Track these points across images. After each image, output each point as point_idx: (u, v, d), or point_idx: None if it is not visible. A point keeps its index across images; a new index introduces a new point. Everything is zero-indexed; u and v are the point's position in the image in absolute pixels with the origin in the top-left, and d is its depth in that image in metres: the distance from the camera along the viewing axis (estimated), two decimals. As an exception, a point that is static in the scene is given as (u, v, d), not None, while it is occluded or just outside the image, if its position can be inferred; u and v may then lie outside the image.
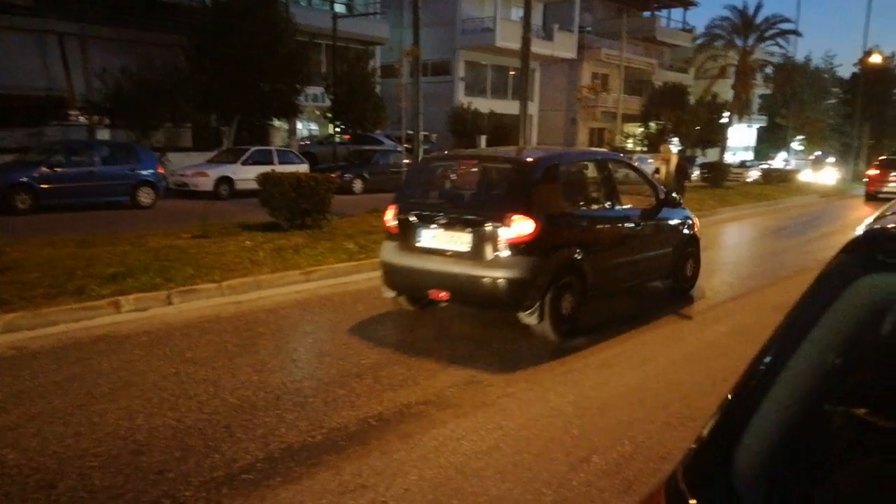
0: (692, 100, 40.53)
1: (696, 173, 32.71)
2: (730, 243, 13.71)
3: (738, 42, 42.46)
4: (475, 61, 39.78)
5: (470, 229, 6.21)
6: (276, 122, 26.62)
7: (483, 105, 35.83)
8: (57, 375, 5.13)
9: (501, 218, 6.04)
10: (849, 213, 21.91)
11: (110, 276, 7.59)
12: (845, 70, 63.29)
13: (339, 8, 32.40)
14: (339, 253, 9.79)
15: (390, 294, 7.03)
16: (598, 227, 7.02)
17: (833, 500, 1.23)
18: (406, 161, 17.15)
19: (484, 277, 6.07)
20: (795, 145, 51.03)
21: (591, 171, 7.64)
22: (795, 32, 42.29)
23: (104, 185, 15.62)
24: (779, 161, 45.42)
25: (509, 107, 36.43)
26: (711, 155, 41.46)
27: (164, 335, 6.28)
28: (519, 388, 5.07)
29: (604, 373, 5.49)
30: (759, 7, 42.36)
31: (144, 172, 16.43)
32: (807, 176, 36.57)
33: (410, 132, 16.71)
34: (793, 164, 44.40)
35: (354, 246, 10.23)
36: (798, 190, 30.07)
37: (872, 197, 25.47)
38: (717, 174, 28.39)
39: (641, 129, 41.89)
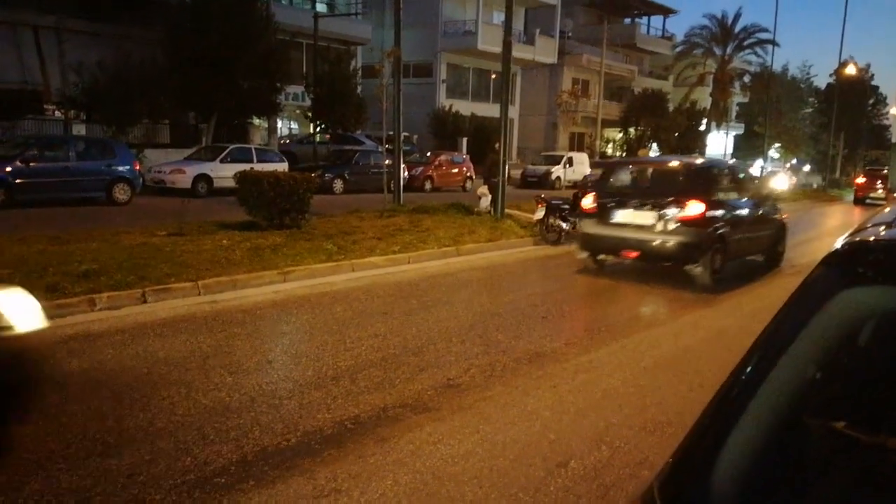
0: (671, 107, 40.91)
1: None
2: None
3: (717, 50, 43.04)
4: (457, 64, 39.82)
5: (655, 209, 9.30)
6: (256, 121, 26.42)
7: (464, 107, 35.87)
8: (25, 375, 5.02)
9: (679, 202, 9.17)
10: (827, 220, 22.22)
11: (83, 274, 7.46)
12: (821, 80, 64.33)
13: (321, 7, 32.24)
14: (318, 253, 9.72)
15: (583, 255, 10.45)
16: (733, 212, 9.88)
17: None
18: (387, 162, 17.03)
19: (668, 242, 9.21)
20: (772, 153, 51.70)
21: (726, 173, 11.13)
22: (773, 42, 42.91)
23: (79, 180, 15.38)
24: (756, 168, 45.97)
25: (490, 110, 36.50)
26: (689, 161, 41.84)
27: (138, 334, 6.18)
28: (496, 392, 5.05)
29: (580, 378, 5.49)
30: (737, 16, 43.09)
31: (121, 169, 16.21)
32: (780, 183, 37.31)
33: (391, 133, 16.64)
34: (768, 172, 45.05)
35: (333, 246, 10.15)
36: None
37: (861, 201, 28.12)
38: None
39: (621, 135, 42.19)
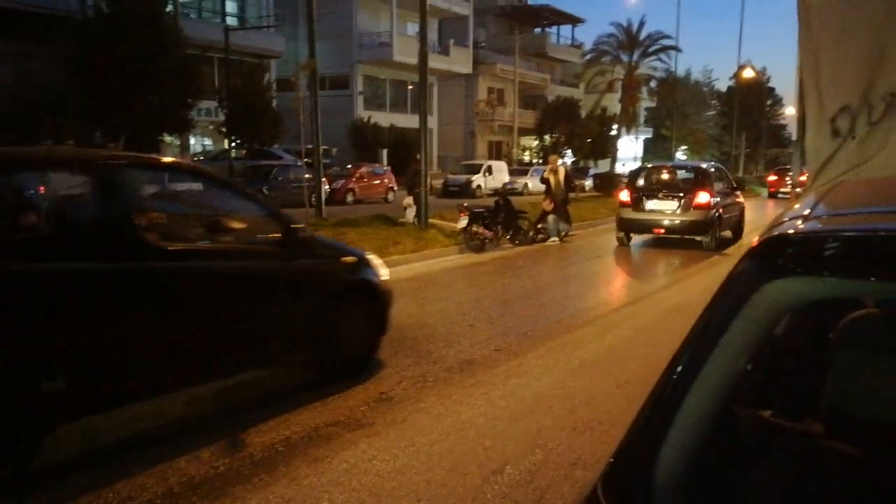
0: (583, 113, 42.08)
1: (589, 183, 34.01)
2: (622, 248, 14.23)
3: (624, 57, 44.61)
4: (373, 75, 39.79)
5: (676, 199, 13.53)
6: (168, 138, 25.56)
7: (383, 119, 35.84)
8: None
9: (695, 192, 13.38)
10: (756, 211, 23.25)
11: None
12: (722, 84, 67.53)
13: (231, 21, 31.60)
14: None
15: (620, 234, 14.52)
16: (723, 199, 14.11)
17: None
18: (307, 176, 16.77)
19: (689, 221, 13.41)
20: (679, 155, 53.91)
21: (719, 172, 15.19)
22: (676, 48, 44.90)
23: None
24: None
25: (409, 121, 36.62)
26: (603, 165, 43.17)
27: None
28: (430, 403, 5.03)
29: (511, 382, 5.54)
30: (641, 24, 44.80)
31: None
32: None
33: (310, 146, 16.42)
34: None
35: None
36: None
37: (773, 196, 32.58)
38: (609, 184, 29.59)
39: (537, 142, 43.08)
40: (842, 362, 1.28)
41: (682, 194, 13.52)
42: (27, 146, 19.21)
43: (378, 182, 27.43)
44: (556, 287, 9.96)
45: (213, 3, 32.30)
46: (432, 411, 4.88)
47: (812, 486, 1.29)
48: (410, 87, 40.55)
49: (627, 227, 14.38)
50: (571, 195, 16.65)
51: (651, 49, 45.39)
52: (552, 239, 14.70)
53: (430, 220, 15.28)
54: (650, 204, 13.77)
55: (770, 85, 63.80)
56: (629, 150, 53.66)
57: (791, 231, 1.32)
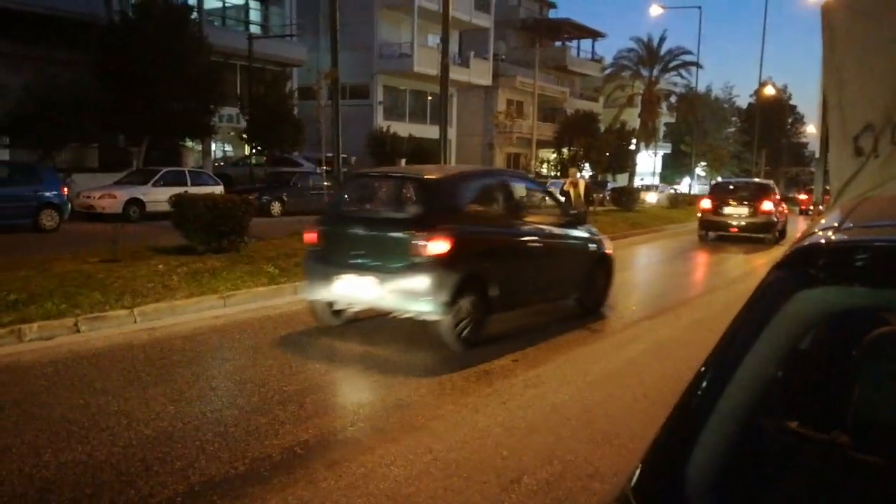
0: (602, 127, 42.04)
1: (607, 197, 33.94)
2: (642, 263, 14.20)
3: (644, 72, 44.51)
4: (393, 86, 40.00)
5: (746, 206, 18.26)
6: (189, 143, 25.85)
7: (402, 129, 35.99)
8: (-49, 411, 4.75)
9: (761, 201, 18.28)
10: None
11: (11, 303, 7.12)
12: (743, 100, 67.18)
13: (255, 29, 31.95)
14: (259, 276, 9.55)
15: (702, 232, 18.89)
16: (777, 205, 19.41)
17: None
18: (326, 183, 16.88)
19: (757, 223, 18.15)
20: (699, 171, 53.69)
21: (771, 185, 20.77)
22: (697, 64, 44.74)
23: (4, 207, 14.68)
24: (684, 186, 47.65)
25: (427, 131, 36.76)
26: (621, 180, 43.05)
27: (71, 365, 5.93)
28: (447, 411, 5.06)
29: (529, 393, 5.55)
30: (662, 40, 44.66)
31: (47, 194, 15.58)
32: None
33: (330, 154, 16.54)
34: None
35: (275, 269, 9.99)
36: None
37: (804, 212, 34.30)
38: (628, 198, 29.46)
39: (555, 155, 43.05)
40: (869, 373, 1.30)
41: (750, 203, 18.35)
42: (50, 149, 19.62)
43: (396, 191, 27.49)
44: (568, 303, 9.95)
45: (237, 11, 32.69)
46: (449, 419, 4.90)
47: (839, 497, 1.31)
48: (430, 97, 40.71)
49: (708, 227, 19.02)
50: (590, 209, 16.72)
51: (671, 64, 45.27)
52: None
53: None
54: (726, 210, 18.61)
55: (791, 103, 63.51)
56: (648, 165, 53.52)
57: (822, 241, 1.35)
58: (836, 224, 1.45)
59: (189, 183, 19.09)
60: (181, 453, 4.16)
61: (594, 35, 55.45)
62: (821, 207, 19.56)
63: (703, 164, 54.07)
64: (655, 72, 44.63)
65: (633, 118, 44.49)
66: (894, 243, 1.27)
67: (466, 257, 6.62)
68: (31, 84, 19.16)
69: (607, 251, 9.06)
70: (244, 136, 27.78)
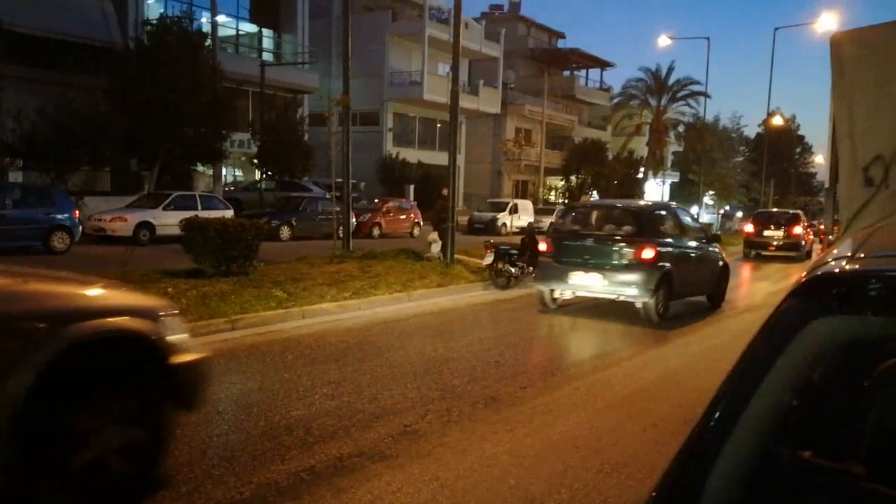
0: (610, 155, 42.20)
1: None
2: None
3: (652, 102, 44.86)
4: (403, 113, 40.40)
5: (781, 229, 23.67)
6: (201, 167, 26.09)
7: (411, 155, 36.29)
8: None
9: (793, 225, 23.78)
10: (756, 263, 23.03)
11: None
12: (751, 130, 67.31)
13: (267, 56, 32.39)
14: (267, 300, 9.57)
15: (747, 250, 24.21)
16: (804, 232, 24.77)
17: None
18: (336, 209, 16.97)
19: (790, 243, 23.47)
20: (707, 200, 53.63)
21: (799, 214, 25.95)
22: (705, 94, 45.01)
23: (15, 229, 14.83)
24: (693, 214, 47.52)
25: (436, 157, 37.01)
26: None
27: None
28: (454, 438, 5.02)
29: (537, 420, 5.51)
30: (670, 69, 45.13)
31: (59, 216, 15.72)
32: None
33: (339, 180, 16.65)
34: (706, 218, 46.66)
35: (283, 293, 10.01)
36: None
37: (821, 242, 37.41)
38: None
39: (563, 183, 43.22)
40: (883, 402, 1.29)
41: (784, 226, 23.46)
42: (63, 172, 19.84)
43: (404, 217, 27.67)
44: (580, 328, 9.92)
45: (250, 38, 33.19)
46: (457, 446, 4.86)
47: None
48: (439, 124, 41.06)
49: (751, 246, 24.09)
50: None
51: (679, 94, 45.63)
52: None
53: (456, 256, 15.34)
54: (766, 232, 23.76)
55: (800, 133, 63.60)
56: (655, 194, 53.56)
57: (836, 270, 1.35)
58: (849, 253, 1.45)
59: (199, 207, 19.23)
60: (187, 477, 4.15)
61: (602, 65, 55.95)
62: (831, 237, 19.77)
63: (710, 192, 54.05)
64: (664, 101, 44.97)
65: (641, 147, 44.70)
66: None
67: (662, 261, 9.78)
68: (46, 107, 19.43)
69: (727, 262, 12.52)
70: (255, 161, 28.03)
